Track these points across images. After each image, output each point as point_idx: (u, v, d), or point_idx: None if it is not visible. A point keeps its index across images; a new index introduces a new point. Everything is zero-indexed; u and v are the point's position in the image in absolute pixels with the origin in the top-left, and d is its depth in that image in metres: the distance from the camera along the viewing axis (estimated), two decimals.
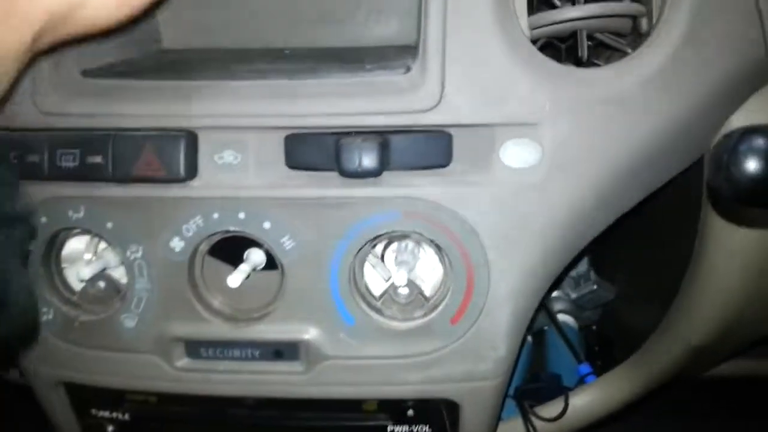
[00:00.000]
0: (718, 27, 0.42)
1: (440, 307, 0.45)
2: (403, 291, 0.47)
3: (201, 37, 0.59)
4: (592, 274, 0.73)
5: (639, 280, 0.68)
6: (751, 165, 0.33)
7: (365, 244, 0.44)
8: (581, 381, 0.71)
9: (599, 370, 0.71)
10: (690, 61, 0.41)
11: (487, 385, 0.48)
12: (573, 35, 0.47)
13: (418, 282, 0.47)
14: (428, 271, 0.47)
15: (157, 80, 0.44)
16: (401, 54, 0.50)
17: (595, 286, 0.73)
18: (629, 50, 0.46)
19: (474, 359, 0.46)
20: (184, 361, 0.48)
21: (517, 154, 0.42)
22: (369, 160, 0.41)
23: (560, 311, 0.76)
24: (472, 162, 0.43)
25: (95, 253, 0.49)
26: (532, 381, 0.72)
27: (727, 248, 0.47)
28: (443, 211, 0.42)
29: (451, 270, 0.44)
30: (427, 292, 0.47)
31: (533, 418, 0.66)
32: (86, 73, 0.45)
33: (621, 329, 0.74)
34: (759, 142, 0.33)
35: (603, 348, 0.78)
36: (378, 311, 0.46)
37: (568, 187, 0.42)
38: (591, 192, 0.43)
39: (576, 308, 0.76)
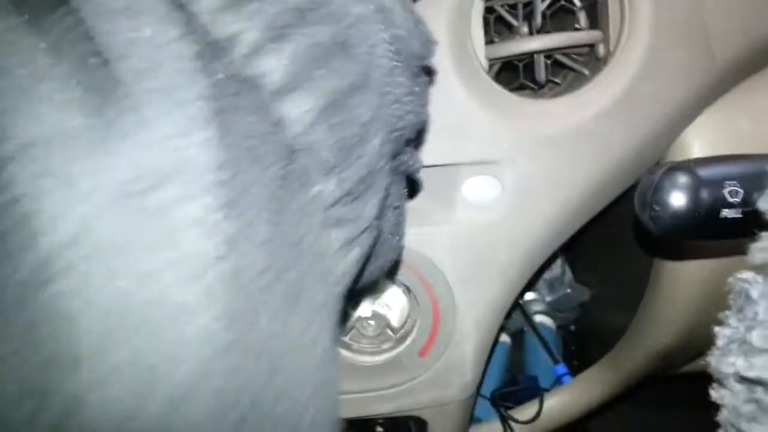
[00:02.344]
0: (673, 57, 0.41)
1: (408, 341, 0.45)
2: (370, 323, 0.47)
3: None
4: (567, 277, 0.73)
5: (609, 283, 0.69)
6: (673, 200, 0.35)
7: None
8: (557, 381, 0.72)
9: (576, 370, 0.72)
10: (646, 91, 0.41)
11: (455, 405, 0.49)
12: (531, 55, 0.46)
13: (385, 311, 0.47)
14: (395, 298, 0.47)
15: None
16: None
17: (569, 290, 0.73)
18: (586, 71, 0.45)
19: (442, 386, 0.47)
20: None
21: (479, 191, 0.42)
22: None
23: (537, 312, 0.76)
24: (436, 200, 0.42)
25: None
26: (510, 383, 0.73)
27: (677, 269, 0.49)
28: (407, 251, 0.42)
29: (417, 305, 0.44)
30: (395, 322, 0.47)
31: (510, 421, 0.67)
32: None
33: (596, 330, 0.75)
34: (680, 179, 0.35)
35: (579, 348, 0.79)
36: (346, 346, 0.46)
37: (527, 222, 0.42)
38: (548, 224, 0.43)
39: (553, 309, 0.76)
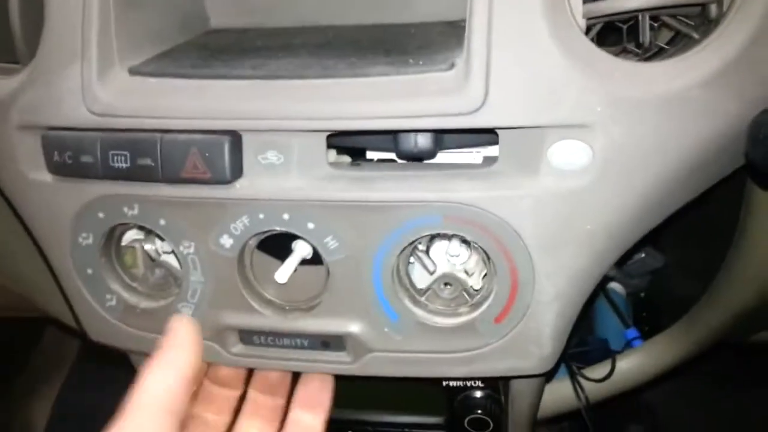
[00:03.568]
0: None
1: (484, 306, 0.45)
2: (447, 286, 0.47)
3: (247, 15, 0.58)
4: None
5: (687, 248, 0.68)
6: None
7: (408, 245, 0.44)
8: (628, 345, 0.74)
9: (647, 336, 0.73)
10: (761, 57, 0.38)
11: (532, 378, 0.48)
12: (635, 15, 0.44)
13: (463, 275, 0.47)
14: (472, 263, 0.47)
15: (202, 79, 0.44)
16: (450, 38, 0.47)
17: (643, 254, 0.73)
18: (695, 34, 0.42)
19: (518, 356, 0.46)
20: (238, 348, 0.50)
21: (566, 156, 0.40)
22: (425, 141, 0.42)
23: (608, 278, 0.76)
24: (518, 163, 0.41)
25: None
26: (580, 345, 0.75)
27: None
28: (485, 214, 0.41)
29: (494, 271, 0.44)
30: (471, 286, 0.46)
31: (581, 379, 0.69)
32: (132, 72, 0.45)
33: (668, 296, 0.75)
34: None
35: (650, 314, 0.79)
36: (422, 306, 0.46)
37: (617, 191, 0.40)
38: (641, 196, 0.41)
39: (624, 275, 0.76)
